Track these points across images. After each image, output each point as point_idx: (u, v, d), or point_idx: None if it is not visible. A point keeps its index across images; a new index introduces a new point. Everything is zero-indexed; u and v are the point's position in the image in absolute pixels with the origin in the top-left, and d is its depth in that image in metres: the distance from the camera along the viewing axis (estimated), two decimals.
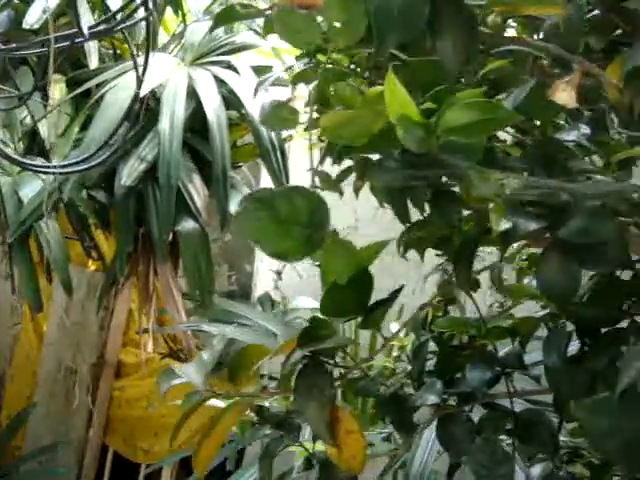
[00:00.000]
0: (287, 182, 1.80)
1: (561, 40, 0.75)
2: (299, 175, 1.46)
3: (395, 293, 0.77)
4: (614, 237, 0.67)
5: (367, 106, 0.77)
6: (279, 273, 1.15)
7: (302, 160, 0.94)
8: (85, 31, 1.21)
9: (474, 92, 0.69)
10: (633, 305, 0.96)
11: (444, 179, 0.75)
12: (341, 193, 0.71)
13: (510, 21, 0.97)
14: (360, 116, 0.66)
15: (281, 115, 0.74)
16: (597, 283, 1.00)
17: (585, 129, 0.90)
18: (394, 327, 1.40)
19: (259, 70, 1.93)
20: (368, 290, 0.76)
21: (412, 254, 0.88)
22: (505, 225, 0.68)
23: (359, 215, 2.31)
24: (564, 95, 0.67)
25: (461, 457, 1.11)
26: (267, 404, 1.05)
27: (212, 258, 1.91)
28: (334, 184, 0.87)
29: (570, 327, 0.99)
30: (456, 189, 0.76)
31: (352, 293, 0.74)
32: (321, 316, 0.76)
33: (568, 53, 0.74)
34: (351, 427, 0.77)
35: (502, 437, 1.10)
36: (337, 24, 0.64)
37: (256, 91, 0.85)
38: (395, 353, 1.38)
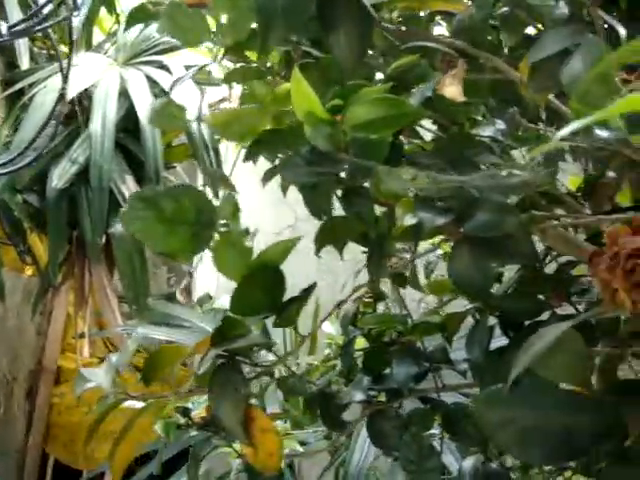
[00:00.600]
0: (224, 180, 1.79)
1: (468, 35, 0.75)
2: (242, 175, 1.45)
3: (308, 290, 0.77)
4: (518, 231, 0.67)
5: (276, 104, 0.77)
6: (191, 274, 1.14)
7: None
8: (4, 30, 1.18)
9: (380, 88, 0.69)
10: (554, 297, 0.97)
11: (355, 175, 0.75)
12: (235, 192, 0.71)
13: (438, 18, 0.98)
14: (247, 114, 0.66)
15: (168, 113, 0.74)
16: (522, 276, 1.01)
17: (500, 124, 0.91)
18: (326, 326, 1.40)
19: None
20: (280, 288, 0.75)
21: (351, 251, 0.89)
22: (412, 220, 0.68)
23: (298, 214, 2.31)
24: (452, 89, 0.67)
25: (392, 453, 1.12)
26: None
27: (151, 260, 1.89)
28: (265, 180, 0.86)
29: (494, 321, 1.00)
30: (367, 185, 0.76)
31: (263, 292, 0.74)
32: (234, 315, 0.76)
33: (473, 48, 0.75)
34: (266, 426, 0.76)
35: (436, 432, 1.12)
36: (224, 21, 0.63)
37: (171, 89, 0.84)
38: (327, 350, 1.38)
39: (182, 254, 0.64)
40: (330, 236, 0.78)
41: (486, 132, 0.89)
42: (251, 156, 0.77)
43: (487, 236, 0.69)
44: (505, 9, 0.85)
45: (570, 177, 1.14)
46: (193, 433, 1.05)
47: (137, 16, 0.82)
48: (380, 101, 0.67)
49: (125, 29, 1.77)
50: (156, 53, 2.00)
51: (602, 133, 0.74)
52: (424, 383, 1.09)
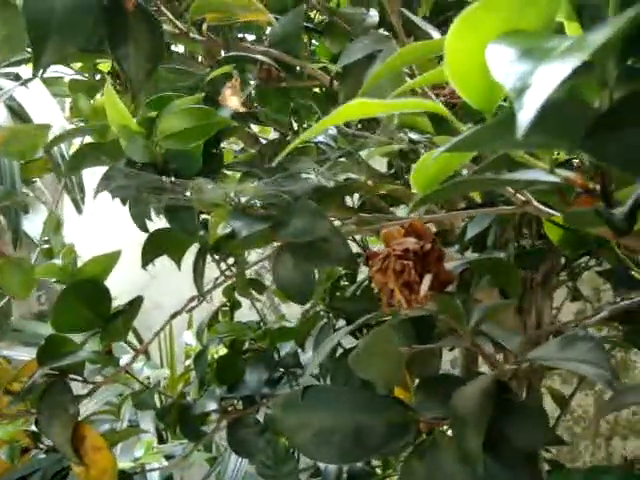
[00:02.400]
0: (83, 195, 1.75)
1: (283, 44, 0.76)
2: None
3: (134, 303, 0.76)
4: (331, 234, 0.69)
5: (96, 117, 0.76)
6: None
7: None
8: None
9: (192, 99, 0.69)
10: None
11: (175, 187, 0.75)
12: (26, 212, 0.70)
13: None
14: (24, 131, 0.65)
15: None
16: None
17: (332, 129, 0.93)
18: (187, 336, 1.40)
19: (49, 82, 1.86)
20: (104, 303, 0.75)
21: None
22: (226, 229, 0.69)
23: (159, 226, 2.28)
24: (233, 100, 0.68)
25: (255, 459, 1.12)
26: None
27: None
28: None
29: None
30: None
31: (85, 307, 0.73)
32: (59, 333, 0.75)
33: (289, 57, 0.76)
34: (98, 444, 0.75)
35: None
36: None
37: None
38: (187, 362, 1.38)
39: None
40: (156, 248, 0.78)
41: (318, 138, 0.90)
42: (71, 171, 0.76)
43: (305, 241, 0.70)
44: (325, 17, 0.86)
45: None
46: (42, 456, 1.03)
47: None
48: (189, 112, 0.67)
49: None
50: (12, 64, 1.94)
51: (412, 135, 0.76)
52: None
